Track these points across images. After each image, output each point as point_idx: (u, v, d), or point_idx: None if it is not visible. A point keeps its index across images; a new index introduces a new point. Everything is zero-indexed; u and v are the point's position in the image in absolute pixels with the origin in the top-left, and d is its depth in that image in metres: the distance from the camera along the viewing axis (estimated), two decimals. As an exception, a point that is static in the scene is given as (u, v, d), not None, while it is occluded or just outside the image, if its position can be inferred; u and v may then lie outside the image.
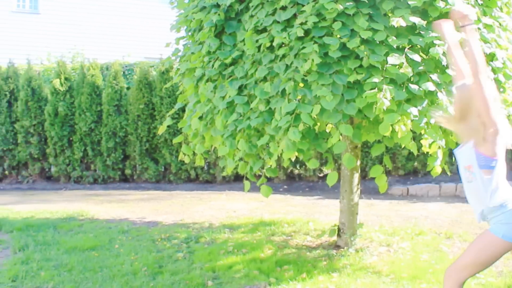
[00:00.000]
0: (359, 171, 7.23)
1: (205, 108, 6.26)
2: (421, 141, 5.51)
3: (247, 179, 6.41)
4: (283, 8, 5.70)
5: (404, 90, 5.23)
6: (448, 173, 7.13)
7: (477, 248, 3.96)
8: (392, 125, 5.23)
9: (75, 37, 24.75)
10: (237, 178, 13.72)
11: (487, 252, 3.90)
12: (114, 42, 25.88)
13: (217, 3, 6.20)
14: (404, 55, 5.26)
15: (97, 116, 14.07)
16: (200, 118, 6.46)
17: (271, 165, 6.06)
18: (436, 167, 5.88)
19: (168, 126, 7.54)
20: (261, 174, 6.47)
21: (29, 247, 7.35)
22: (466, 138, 4.02)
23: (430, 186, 12.41)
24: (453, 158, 12.73)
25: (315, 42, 5.28)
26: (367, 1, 5.33)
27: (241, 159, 6.26)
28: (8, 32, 25.19)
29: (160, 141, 13.86)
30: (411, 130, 5.53)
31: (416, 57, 5.30)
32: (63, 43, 23.13)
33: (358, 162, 6.95)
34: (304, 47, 5.34)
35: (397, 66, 5.19)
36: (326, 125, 6.95)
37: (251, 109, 5.74)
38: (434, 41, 5.32)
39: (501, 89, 6.00)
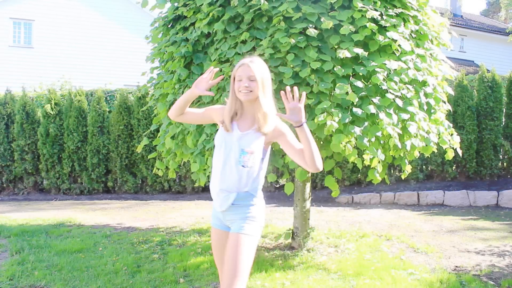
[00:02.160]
0: (310, 181, 7.27)
1: (176, 130, 6.25)
2: (364, 156, 5.56)
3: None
4: (244, 42, 5.71)
5: (349, 113, 5.25)
6: (387, 181, 7.21)
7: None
8: (340, 143, 5.29)
9: (64, 68, 24.58)
10: (205, 189, 13.69)
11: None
12: (97, 72, 25.78)
13: (186, 37, 6.20)
14: (348, 83, 5.32)
15: (83, 136, 13.96)
16: (172, 137, 6.46)
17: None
18: (376, 176, 5.94)
19: (145, 145, 7.51)
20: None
21: (24, 250, 7.22)
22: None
23: (372, 195, 12.48)
24: (391, 170, 12.92)
25: (271, 71, 5.30)
26: (316, 36, 5.36)
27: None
28: (6, 64, 24.97)
29: (138, 158, 13.78)
30: (355, 147, 5.58)
31: (359, 84, 5.31)
32: (53, 73, 22.95)
33: (309, 174, 6.99)
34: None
35: (344, 93, 5.24)
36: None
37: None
38: (376, 69, 5.38)
39: (432, 111, 6.10)
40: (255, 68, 3.50)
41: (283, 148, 3.59)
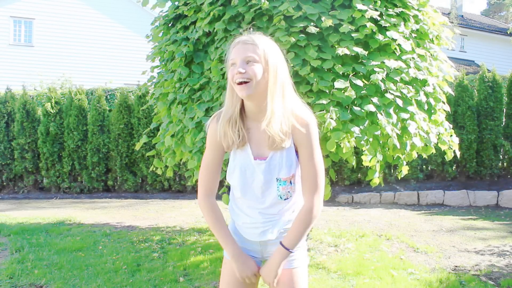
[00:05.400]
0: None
1: (176, 128, 6.25)
2: (362, 157, 5.55)
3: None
4: (244, 41, 5.73)
5: (348, 111, 5.23)
6: (382, 184, 7.21)
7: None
8: (338, 142, 5.28)
9: (64, 66, 24.61)
10: (205, 188, 13.67)
11: None
12: (98, 70, 25.82)
13: (187, 36, 6.19)
14: (348, 81, 5.31)
15: (83, 135, 13.95)
16: (172, 136, 6.45)
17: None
18: (375, 179, 5.93)
19: (144, 143, 7.52)
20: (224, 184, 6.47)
21: (24, 249, 7.22)
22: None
23: (372, 195, 12.47)
24: (391, 170, 12.92)
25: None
26: (316, 34, 5.37)
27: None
28: (6, 62, 25.00)
29: (138, 156, 13.77)
30: (354, 147, 5.58)
31: (359, 82, 5.31)
32: (53, 72, 22.96)
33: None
34: (263, 74, 5.37)
35: (342, 90, 5.24)
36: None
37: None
38: (375, 69, 5.37)
39: (432, 111, 6.09)
40: (257, 45, 2.50)
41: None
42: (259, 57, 2.45)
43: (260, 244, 2.72)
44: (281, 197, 2.58)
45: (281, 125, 2.47)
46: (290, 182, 2.58)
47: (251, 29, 5.33)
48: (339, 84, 5.19)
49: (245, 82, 2.42)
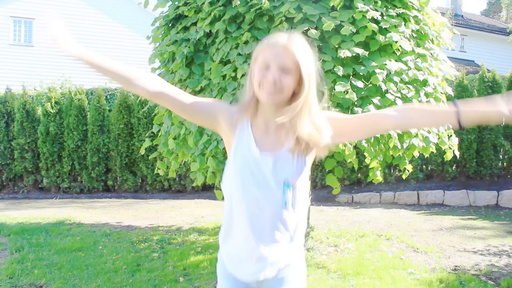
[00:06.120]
0: (310, 181, 7.26)
1: (178, 130, 6.26)
2: (365, 153, 5.55)
3: (217, 188, 6.41)
4: (245, 42, 5.73)
5: (349, 112, 5.23)
6: (382, 180, 7.21)
7: None
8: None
9: (64, 66, 24.42)
10: (205, 188, 13.68)
11: None
12: (98, 70, 25.74)
13: (187, 37, 6.22)
14: (349, 82, 5.31)
15: (83, 135, 13.95)
16: (174, 138, 6.46)
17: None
18: (378, 176, 5.93)
19: (144, 143, 7.52)
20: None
21: (24, 249, 7.23)
22: None
23: (372, 194, 12.48)
24: (391, 170, 12.92)
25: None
26: (317, 36, 5.38)
27: (210, 171, 6.27)
28: (6, 62, 24.99)
29: (138, 156, 13.76)
30: (355, 147, 5.58)
31: (359, 84, 5.31)
32: (53, 72, 22.90)
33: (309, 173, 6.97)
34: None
35: (344, 92, 5.24)
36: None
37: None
38: (375, 70, 5.38)
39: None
40: (297, 54, 2.17)
41: (339, 136, 2.33)
42: (295, 68, 2.17)
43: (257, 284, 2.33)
44: (285, 204, 2.19)
45: (322, 129, 2.22)
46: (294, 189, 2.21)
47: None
48: (340, 87, 5.19)
49: (273, 91, 2.16)
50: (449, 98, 6.17)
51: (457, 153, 6.71)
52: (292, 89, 2.19)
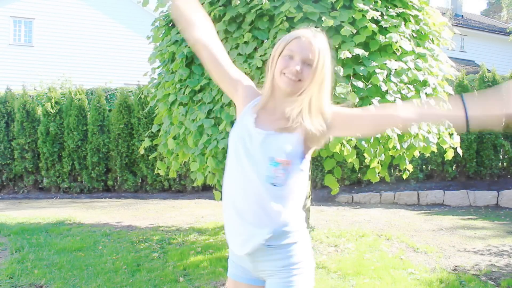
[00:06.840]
0: (310, 180, 7.25)
1: (178, 130, 6.25)
2: (365, 154, 5.55)
3: (216, 189, 6.41)
4: (245, 42, 5.72)
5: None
6: (388, 179, 7.19)
7: None
8: (341, 143, 5.27)
9: (64, 66, 24.59)
10: (205, 188, 13.67)
11: None
12: (97, 70, 25.79)
13: (188, 37, 6.21)
14: (349, 83, 5.31)
15: (83, 135, 13.97)
16: (174, 138, 6.46)
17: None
18: (376, 175, 5.92)
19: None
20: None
21: (24, 249, 7.23)
22: None
23: (372, 194, 12.48)
24: (391, 170, 12.91)
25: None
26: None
27: (209, 172, 6.26)
28: (6, 62, 25.00)
29: (138, 156, 13.76)
30: (355, 147, 5.57)
31: (360, 84, 5.31)
32: (53, 72, 22.93)
33: (309, 173, 6.98)
34: (263, 76, 5.36)
35: (345, 93, 5.23)
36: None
37: (220, 132, 5.74)
38: (375, 70, 5.37)
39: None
40: (318, 49, 2.34)
41: (345, 129, 2.54)
42: (316, 63, 2.31)
43: (249, 259, 2.39)
44: (269, 179, 2.26)
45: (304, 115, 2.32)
46: (284, 169, 2.28)
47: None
48: (340, 89, 5.19)
49: (294, 80, 2.32)
50: (450, 97, 6.17)
51: (460, 151, 6.71)
52: (309, 82, 2.32)
